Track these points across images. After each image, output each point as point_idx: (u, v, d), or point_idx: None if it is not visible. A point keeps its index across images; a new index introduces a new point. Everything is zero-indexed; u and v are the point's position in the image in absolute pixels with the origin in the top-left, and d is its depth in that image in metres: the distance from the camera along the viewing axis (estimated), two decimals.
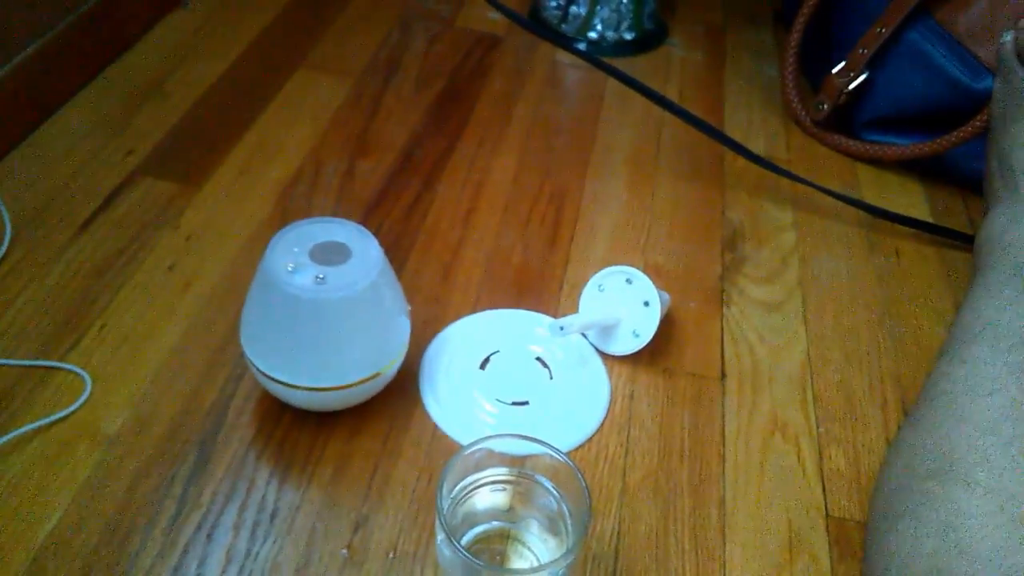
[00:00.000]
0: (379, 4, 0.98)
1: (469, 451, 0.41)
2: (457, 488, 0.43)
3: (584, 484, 0.41)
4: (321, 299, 0.47)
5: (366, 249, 0.50)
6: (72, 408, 0.53)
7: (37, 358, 0.55)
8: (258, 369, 0.50)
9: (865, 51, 0.79)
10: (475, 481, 0.44)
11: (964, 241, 0.73)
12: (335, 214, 0.68)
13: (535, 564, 0.44)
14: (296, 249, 0.49)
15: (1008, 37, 0.62)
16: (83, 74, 0.80)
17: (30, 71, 0.72)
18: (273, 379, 0.50)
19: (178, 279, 0.62)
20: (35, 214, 0.66)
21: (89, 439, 0.51)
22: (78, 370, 0.55)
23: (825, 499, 0.53)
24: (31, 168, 0.70)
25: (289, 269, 0.48)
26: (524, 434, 0.42)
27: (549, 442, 0.42)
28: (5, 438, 0.50)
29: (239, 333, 0.52)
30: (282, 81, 0.84)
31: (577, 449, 0.55)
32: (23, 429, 0.51)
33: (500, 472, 0.44)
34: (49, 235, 0.64)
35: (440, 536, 0.39)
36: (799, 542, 0.51)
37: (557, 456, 0.42)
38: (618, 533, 0.50)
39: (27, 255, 0.62)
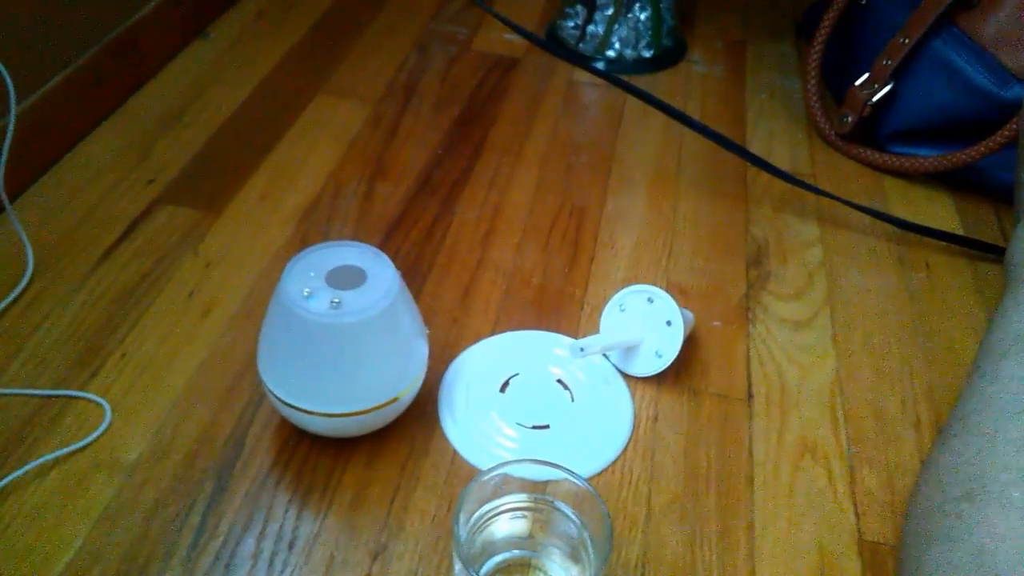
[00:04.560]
0: (396, 29, 0.99)
1: (486, 477, 0.40)
2: (475, 516, 0.42)
3: (605, 510, 0.39)
4: (337, 324, 0.47)
5: (382, 272, 0.50)
6: (91, 437, 0.53)
7: (57, 387, 0.55)
8: (275, 395, 0.50)
9: (889, 62, 0.78)
10: (494, 508, 0.43)
11: (996, 253, 0.71)
12: (354, 237, 0.68)
13: None
14: (312, 273, 0.49)
15: None
16: (106, 105, 0.81)
17: (54, 102, 0.73)
18: (290, 405, 0.49)
19: (198, 306, 0.62)
20: (57, 244, 0.66)
21: (108, 468, 0.51)
22: (98, 399, 0.55)
23: (858, 523, 0.51)
24: (54, 198, 0.71)
25: (305, 294, 0.47)
26: (542, 459, 0.41)
27: (571, 466, 0.41)
28: (25, 468, 0.50)
29: (256, 359, 0.51)
30: (301, 108, 0.84)
31: (600, 474, 0.53)
32: (42, 459, 0.51)
33: (519, 499, 0.43)
34: (71, 264, 0.65)
35: (457, 566, 0.38)
36: (831, 568, 0.49)
37: (577, 482, 0.41)
38: (644, 560, 0.49)
39: (49, 285, 0.63)
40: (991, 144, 0.72)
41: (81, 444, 0.52)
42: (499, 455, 0.53)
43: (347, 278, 0.49)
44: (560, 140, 0.83)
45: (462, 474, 0.53)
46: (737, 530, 0.51)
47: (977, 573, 0.39)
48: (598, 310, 0.61)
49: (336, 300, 0.47)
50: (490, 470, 0.41)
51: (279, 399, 0.50)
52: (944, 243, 0.73)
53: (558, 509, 0.43)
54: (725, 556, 0.49)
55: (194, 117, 0.81)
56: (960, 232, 0.74)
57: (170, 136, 0.79)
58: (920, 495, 0.45)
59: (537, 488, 0.43)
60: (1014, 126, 0.70)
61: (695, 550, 0.49)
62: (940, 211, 0.77)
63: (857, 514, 0.52)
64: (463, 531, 0.39)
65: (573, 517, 0.42)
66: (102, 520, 0.49)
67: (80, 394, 0.55)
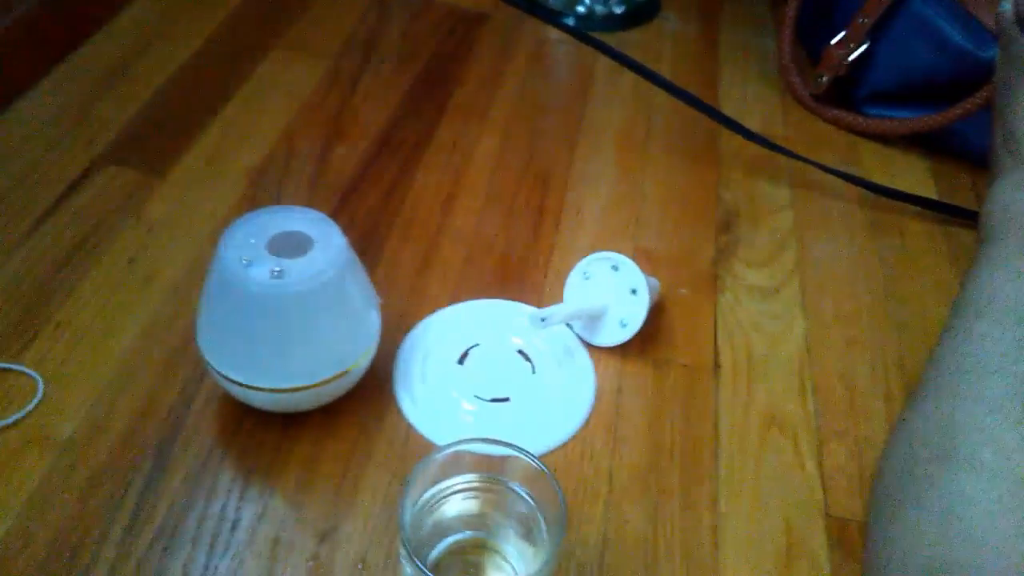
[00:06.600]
0: None
1: (434, 457, 0.38)
2: (424, 498, 0.40)
3: (558, 488, 0.37)
4: (278, 294, 0.44)
5: (329, 239, 0.47)
6: (22, 412, 0.50)
7: None
8: (216, 370, 0.47)
9: (866, 20, 0.75)
10: (444, 489, 0.40)
11: (972, 219, 0.69)
12: (308, 202, 0.65)
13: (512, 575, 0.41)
14: (252, 241, 0.46)
15: (1007, 5, 0.58)
16: (46, 61, 0.76)
17: None
18: (232, 380, 0.47)
19: (139, 273, 0.59)
20: None
21: (40, 445, 0.48)
22: (30, 372, 0.52)
23: (825, 498, 0.50)
24: None
25: (244, 262, 0.44)
26: (493, 438, 0.39)
27: (531, 440, 0.39)
28: None
29: (195, 332, 0.48)
30: (254, 64, 0.80)
31: (560, 448, 0.51)
32: None
33: (470, 479, 0.41)
34: (4, 229, 0.61)
35: (402, 551, 0.36)
36: (798, 545, 0.47)
37: (529, 460, 0.39)
38: (604, 538, 0.47)
39: None
40: (968, 106, 0.70)
41: (11, 420, 0.49)
42: (457, 430, 0.51)
43: (291, 245, 0.46)
44: (527, 101, 0.80)
45: (417, 450, 0.50)
46: (701, 506, 0.49)
47: (946, 537, 0.37)
48: (563, 278, 0.59)
49: (277, 269, 0.44)
50: (437, 451, 0.38)
51: (220, 374, 0.47)
52: (919, 209, 0.71)
53: (511, 489, 0.40)
54: (688, 533, 0.48)
55: (139, 73, 0.77)
56: (936, 197, 0.72)
57: (113, 94, 0.74)
58: (889, 458, 0.44)
59: (491, 467, 0.41)
60: (992, 88, 0.68)
61: (657, 526, 0.48)
62: (916, 176, 0.75)
63: (824, 488, 0.50)
64: (408, 516, 0.37)
65: (526, 496, 0.40)
66: (32, 501, 0.46)
67: (11, 366, 0.52)
